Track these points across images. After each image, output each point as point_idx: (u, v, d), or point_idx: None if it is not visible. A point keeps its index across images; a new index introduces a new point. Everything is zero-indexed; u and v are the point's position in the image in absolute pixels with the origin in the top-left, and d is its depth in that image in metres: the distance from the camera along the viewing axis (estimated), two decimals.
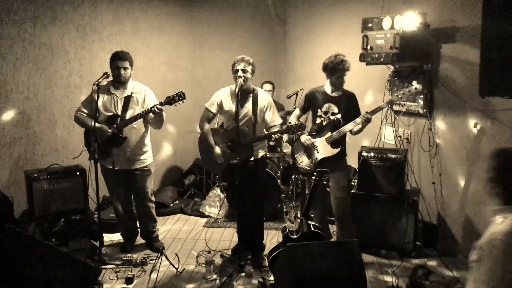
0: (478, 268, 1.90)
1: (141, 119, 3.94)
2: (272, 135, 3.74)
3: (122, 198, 4.19)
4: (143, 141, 4.07)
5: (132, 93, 3.98)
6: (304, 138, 3.92)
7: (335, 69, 3.76)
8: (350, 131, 3.84)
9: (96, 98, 3.82)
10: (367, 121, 3.74)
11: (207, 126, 3.90)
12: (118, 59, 3.88)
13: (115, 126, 3.89)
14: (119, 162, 4.00)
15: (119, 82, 3.95)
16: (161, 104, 3.81)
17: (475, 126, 3.64)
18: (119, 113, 3.93)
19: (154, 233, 4.33)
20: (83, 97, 4.92)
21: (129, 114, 3.91)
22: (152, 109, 3.80)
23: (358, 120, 3.76)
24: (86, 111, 3.97)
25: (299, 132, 3.81)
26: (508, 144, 2.15)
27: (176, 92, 3.79)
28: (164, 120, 4.00)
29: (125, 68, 3.90)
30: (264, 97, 3.82)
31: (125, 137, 3.92)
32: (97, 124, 3.81)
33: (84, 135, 4.10)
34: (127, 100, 3.96)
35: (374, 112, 3.80)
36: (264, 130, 3.92)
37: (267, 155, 4.16)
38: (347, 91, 3.93)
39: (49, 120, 4.73)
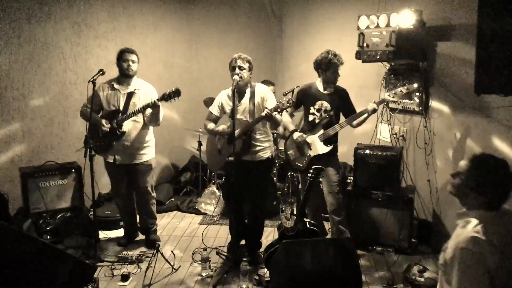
0: (455, 277, 1.91)
1: (142, 115, 4.00)
2: (262, 114, 3.55)
3: (123, 193, 4.24)
4: (144, 136, 4.11)
5: (135, 89, 4.03)
6: (296, 135, 3.94)
7: (330, 63, 3.78)
8: (351, 124, 3.85)
9: (93, 94, 3.82)
10: (373, 111, 3.76)
11: (211, 124, 3.92)
12: (127, 51, 4.00)
13: (115, 121, 3.95)
14: (120, 156, 4.07)
15: (126, 75, 4.01)
16: (157, 100, 3.83)
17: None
18: (121, 108, 3.98)
19: (152, 228, 4.39)
20: (78, 94, 4.93)
21: (130, 110, 3.96)
22: (149, 103, 3.83)
23: (356, 117, 3.80)
24: (90, 106, 4.01)
25: (294, 132, 3.86)
26: (497, 154, 2.11)
27: (172, 89, 3.79)
28: (161, 118, 4.03)
29: (133, 61, 3.99)
30: (261, 89, 3.83)
31: (124, 132, 3.97)
32: (97, 117, 3.95)
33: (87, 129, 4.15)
34: (130, 96, 4.01)
35: (379, 103, 3.83)
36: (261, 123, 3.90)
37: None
38: (338, 88, 3.95)
39: (44, 117, 4.71)
